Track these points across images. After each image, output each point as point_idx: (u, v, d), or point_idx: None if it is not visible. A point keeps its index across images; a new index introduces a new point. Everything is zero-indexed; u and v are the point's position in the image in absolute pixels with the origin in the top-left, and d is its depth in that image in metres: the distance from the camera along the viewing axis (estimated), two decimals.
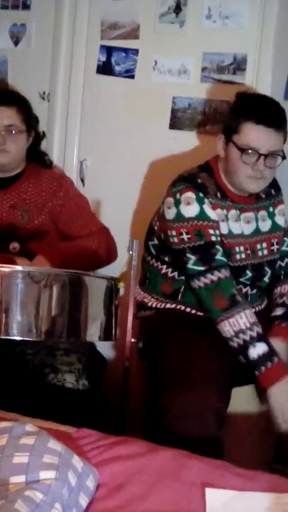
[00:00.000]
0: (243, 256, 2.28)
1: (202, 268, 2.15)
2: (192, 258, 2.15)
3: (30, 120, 2.49)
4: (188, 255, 2.16)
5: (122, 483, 1.50)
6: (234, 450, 2.10)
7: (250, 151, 2.13)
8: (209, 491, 1.48)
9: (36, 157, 2.59)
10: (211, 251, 2.15)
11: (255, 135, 2.13)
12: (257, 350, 2.07)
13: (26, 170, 2.52)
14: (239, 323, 2.09)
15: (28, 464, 1.32)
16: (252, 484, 1.52)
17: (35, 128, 2.56)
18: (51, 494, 1.27)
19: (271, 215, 2.39)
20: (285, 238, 2.43)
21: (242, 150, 2.13)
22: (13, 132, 2.38)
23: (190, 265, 2.16)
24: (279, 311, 2.35)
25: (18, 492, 1.25)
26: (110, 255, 2.55)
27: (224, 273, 2.14)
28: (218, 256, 2.15)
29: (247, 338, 2.08)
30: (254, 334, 2.08)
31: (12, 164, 2.45)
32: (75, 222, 2.53)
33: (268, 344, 2.09)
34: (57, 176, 2.61)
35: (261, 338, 2.09)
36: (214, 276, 2.14)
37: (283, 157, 2.19)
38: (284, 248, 2.44)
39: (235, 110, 2.22)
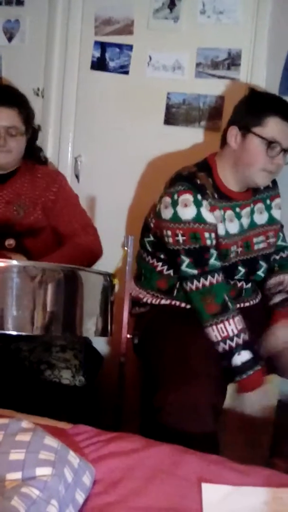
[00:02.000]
0: (234, 254, 2.29)
1: (195, 272, 2.15)
2: (186, 260, 2.16)
3: (29, 119, 2.48)
4: (182, 257, 2.16)
5: (118, 479, 1.50)
6: (230, 445, 2.11)
7: (275, 143, 2.15)
8: (205, 486, 1.48)
9: (32, 153, 2.58)
10: (205, 255, 2.15)
11: (281, 129, 2.17)
12: (241, 357, 2.09)
13: (22, 166, 2.52)
14: (227, 329, 2.11)
15: (24, 460, 1.32)
16: (248, 479, 1.52)
17: (32, 124, 2.55)
18: (48, 491, 1.27)
19: (268, 208, 2.40)
20: (280, 233, 2.44)
21: (269, 142, 2.15)
22: (14, 133, 2.38)
23: (183, 267, 2.17)
24: (278, 298, 2.38)
25: (15, 488, 1.25)
26: (95, 254, 2.53)
27: (217, 278, 2.15)
28: (212, 261, 2.16)
29: (233, 345, 2.10)
30: (240, 341, 2.10)
31: (13, 163, 2.45)
32: (65, 218, 2.52)
33: (252, 352, 2.12)
34: (52, 172, 2.61)
35: (246, 346, 2.11)
36: (207, 280, 2.14)
37: None
38: (279, 242, 2.44)
39: (254, 104, 2.23)
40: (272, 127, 2.16)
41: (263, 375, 2.11)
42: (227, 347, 2.10)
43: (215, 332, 2.12)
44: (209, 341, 2.13)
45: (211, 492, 1.47)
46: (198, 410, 1.93)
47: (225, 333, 2.10)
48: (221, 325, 2.11)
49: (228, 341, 2.10)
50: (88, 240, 2.49)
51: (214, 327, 2.12)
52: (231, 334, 2.10)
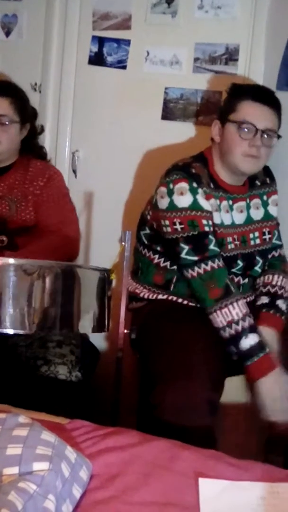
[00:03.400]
0: (233, 246, 2.29)
1: (195, 258, 2.15)
2: (185, 248, 2.15)
3: (25, 112, 2.47)
4: (182, 245, 2.16)
5: (115, 474, 1.50)
6: (227, 440, 2.11)
7: (247, 125, 2.16)
8: (202, 481, 1.48)
9: (31, 150, 2.58)
10: (205, 241, 2.15)
11: (252, 110, 2.18)
12: (249, 340, 2.07)
13: (17, 162, 2.52)
14: (232, 313, 2.09)
15: (22, 455, 1.32)
16: (245, 474, 1.53)
17: (31, 121, 2.55)
18: (45, 486, 1.27)
19: (265, 204, 2.40)
20: (275, 231, 2.44)
21: (240, 124, 2.16)
22: (6, 122, 2.37)
23: (183, 255, 2.16)
24: (265, 299, 2.36)
25: (12, 483, 1.25)
26: (67, 253, 2.52)
27: (217, 263, 2.14)
28: (212, 246, 2.15)
29: (239, 328, 2.08)
30: (246, 324, 2.08)
31: (4, 154, 2.44)
32: (45, 212, 2.51)
33: (260, 335, 2.10)
34: (43, 167, 2.60)
35: (253, 329, 2.10)
36: (208, 266, 2.14)
37: (278, 136, 2.23)
38: (273, 240, 2.44)
39: (231, 95, 2.26)
40: (243, 109, 2.18)
41: (273, 358, 2.08)
42: (233, 331, 2.08)
43: (220, 317, 2.10)
44: (207, 336, 2.11)
45: (208, 487, 1.47)
46: (195, 406, 1.93)
47: (230, 317, 2.08)
48: (225, 309, 2.09)
49: (233, 325, 2.08)
50: (61, 237, 2.49)
51: (219, 312, 2.10)
52: (236, 317, 2.08)
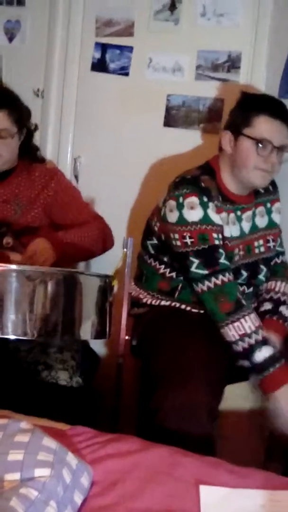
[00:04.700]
0: (237, 257, 2.29)
1: (205, 272, 2.13)
2: (196, 261, 2.14)
3: (21, 119, 2.46)
4: (192, 259, 2.14)
5: (116, 480, 1.50)
6: (227, 447, 2.10)
7: (265, 142, 2.15)
8: (203, 488, 1.48)
9: (28, 152, 2.57)
10: (215, 254, 2.14)
11: (269, 127, 2.16)
12: (263, 353, 2.05)
13: (19, 165, 2.51)
14: (244, 327, 2.08)
15: (23, 461, 1.32)
16: (245, 481, 1.52)
17: (27, 124, 2.54)
18: (46, 492, 1.27)
19: (269, 212, 2.40)
20: (278, 238, 2.44)
21: (257, 141, 2.15)
22: (4, 136, 2.37)
23: (193, 269, 2.15)
24: (268, 306, 2.36)
25: (13, 489, 1.25)
26: (106, 243, 2.54)
27: (228, 277, 2.13)
28: (222, 260, 2.14)
29: (252, 342, 2.07)
30: (259, 337, 2.07)
31: (5, 165, 2.44)
32: (68, 212, 2.52)
33: (274, 348, 2.09)
34: (49, 170, 2.60)
35: (267, 341, 2.09)
36: (218, 280, 2.12)
37: None
38: (276, 248, 2.44)
39: (244, 105, 2.24)
40: (260, 126, 2.17)
41: (286, 371, 2.06)
42: (246, 344, 2.06)
43: (232, 331, 2.08)
44: (208, 343, 2.11)
45: (208, 494, 1.47)
46: (195, 413, 1.93)
47: (243, 331, 2.07)
48: (237, 323, 2.07)
49: (246, 339, 2.06)
50: (99, 228, 2.52)
51: (231, 326, 2.08)
52: (249, 331, 2.07)
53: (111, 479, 1.50)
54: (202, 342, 2.11)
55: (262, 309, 2.36)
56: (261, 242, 2.37)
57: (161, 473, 1.53)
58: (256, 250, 2.36)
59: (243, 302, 2.12)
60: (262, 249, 2.37)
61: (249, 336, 2.07)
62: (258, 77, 2.61)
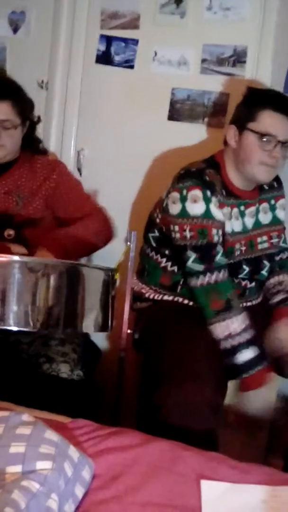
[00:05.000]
0: (239, 252, 2.28)
1: (201, 268, 2.14)
2: (192, 256, 2.14)
3: (25, 110, 2.45)
4: (189, 252, 2.15)
5: (117, 474, 1.50)
6: (228, 442, 2.11)
7: (269, 137, 2.15)
8: (204, 483, 1.49)
9: (31, 144, 2.57)
10: (212, 251, 2.14)
11: (274, 121, 2.16)
12: (244, 356, 2.08)
13: (21, 157, 2.50)
14: (230, 327, 2.09)
15: (25, 454, 1.32)
16: (247, 477, 1.53)
17: (30, 116, 2.53)
18: (48, 485, 1.27)
19: (273, 208, 2.40)
20: (282, 234, 2.44)
21: (261, 135, 2.15)
22: (8, 127, 2.36)
23: (189, 263, 2.16)
24: (280, 296, 2.40)
25: (15, 482, 1.25)
26: (108, 236, 2.53)
27: (222, 275, 2.14)
28: (218, 257, 2.15)
29: (235, 343, 2.08)
30: (243, 340, 2.09)
31: (8, 156, 2.44)
32: (69, 204, 2.50)
33: (256, 351, 2.10)
34: (51, 162, 2.59)
35: (250, 344, 2.10)
36: (212, 277, 2.13)
37: None
38: (280, 244, 2.44)
39: (249, 100, 2.24)
40: (265, 120, 2.16)
41: (266, 374, 2.10)
42: (229, 345, 2.09)
43: (218, 330, 2.10)
44: (211, 338, 2.12)
45: (210, 489, 1.47)
46: (198, 408, 1.93)
47: (229, 331, 2.09)
48: (225, 322, 2.09)
49: (230, 340, 2.08)
50: (101, 220, 2.50)
51: (217, 324, 2.10)
52: (234, 332, 2.08)
53: (112, 472, 1.50)
54: (205, 338, 2.12)
55: (274, 300, 2.40)
56: (264, 238, 2.37)
57: (162, 467, 1.54)
58: (260, 246, 2.36)
59: (234, 303, 2.13)
60: (265, 245, 2.37)
61: (234, 337, 2.09)
62: (263, 72, 2.60)
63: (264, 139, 2.15)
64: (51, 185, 2.48)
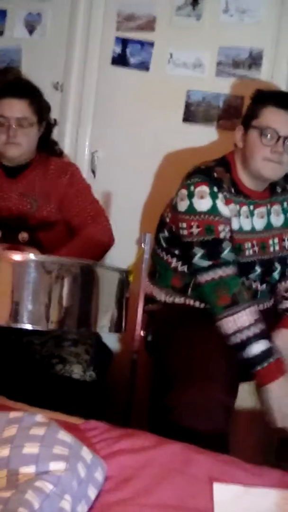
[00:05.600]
0: (251, 252, 2.28)
1: (207, 264, 2.14)
2: (199, 252, 2.15)
3: (42, 111, 2.47)
4: (196, 248, 2.15)
5: (129, 476, 1.50)
6: (240, 445, 2.10)
7: (270, 131, 2.15)
8: (216, 486, 1.48)
9: (47, 146, 2.58)
10: (219, 247, 2.14)
11: (274, 116, 2.17)
12: (258, 347, 2.06)
13: (36, 159, 2.51)
14: (240, 320, 2.07)
15: (39, 454, 1.32)
16: (259, 480, 1.53)
17: (47, 117, 2.54)
18: (61, 485, 1.27)
19: (285, 211, 2.40)
20: None
21: (262, 130, 2.15)
22: (25, 125, 2.37)
23: (196, 259, 2.16)
24: (286, 304, 2.37)
25: (28, 482, 1.25)
26: (107, 244, 2.51)
27: (229, 271, 2.13)
28: (225, 253, 2.14)
29: (244, 337, 2.06)
30: (256, 331, 2.07)
31: (23, 156, 2.44)
32: (72, 207, 2.49)
33: (269, 342, 2.09)
34: (64, 164, 2.60)
35: (263, 335, 2.08)
36: (219, 272, 2.13)
37: None
38: None
39: (254, 101, 2.25)
40: (266, 116, 2.17)
41: (281, 365, 2.07)
42: (239, 339, 2.06)
43: (228, 324, 2.08)
44: (222, 340, 2.11)
45: (222, 492, 1.47)
46: (210, 410, 1.93)
47: (240, 324, 2.06)
48: (233, 317, 2.07)
49: (239, 334, 2.06)
50: (97, 230, 2.47)
51: (226, 319, 2.08)
52: (244, 325, 2.06)
53: (125, 474, 1.50)
54: (217, 340, 2.11)
55: (281, 307, 2.38)
56: (276, 240, 2.36)
57: (174, 469, 1.54)
58: (271, 249, 2.35)
59: (242, 297, 2.12)
60: (277, 247, 2.37)
61: (245, 330, 2.07)
62: (279, 75, 2.60)
63: (266, 135, 2.16)
64: (62, 188, 2.48)
